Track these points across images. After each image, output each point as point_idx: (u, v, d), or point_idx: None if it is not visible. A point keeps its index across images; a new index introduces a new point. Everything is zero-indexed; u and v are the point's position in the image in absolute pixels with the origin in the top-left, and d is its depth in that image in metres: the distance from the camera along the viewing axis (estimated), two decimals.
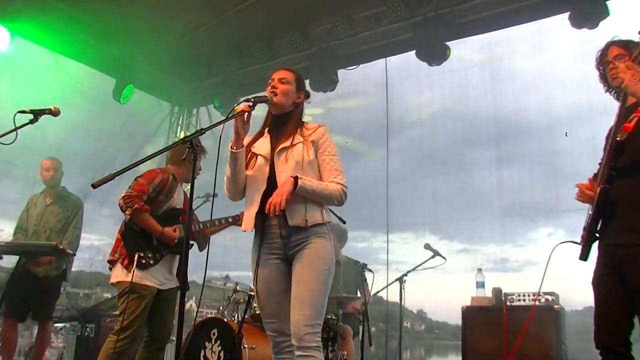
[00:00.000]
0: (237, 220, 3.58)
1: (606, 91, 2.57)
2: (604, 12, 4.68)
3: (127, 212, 3.26)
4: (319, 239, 2.39)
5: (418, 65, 5.63)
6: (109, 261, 3.39)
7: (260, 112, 2.66)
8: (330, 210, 3.34)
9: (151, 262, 3.30)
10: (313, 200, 2.42)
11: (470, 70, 5.98)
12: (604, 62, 2.49)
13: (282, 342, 2.40)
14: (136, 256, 3.26)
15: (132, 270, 3.21)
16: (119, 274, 3.29)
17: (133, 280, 3.20)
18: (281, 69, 2.64)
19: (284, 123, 2.56)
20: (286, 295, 2.38)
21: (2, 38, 5.59)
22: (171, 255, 3.46)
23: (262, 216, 2.42)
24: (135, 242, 3.31)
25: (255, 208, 2.42)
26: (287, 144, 2.48)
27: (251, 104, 2.43)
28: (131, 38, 6.67)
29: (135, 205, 3.24)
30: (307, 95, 2.70)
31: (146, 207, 3.30)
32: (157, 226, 3.33)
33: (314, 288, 2.30)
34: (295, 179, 2.34)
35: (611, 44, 2.50)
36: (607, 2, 4.71)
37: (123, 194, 3.29)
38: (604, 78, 2.54)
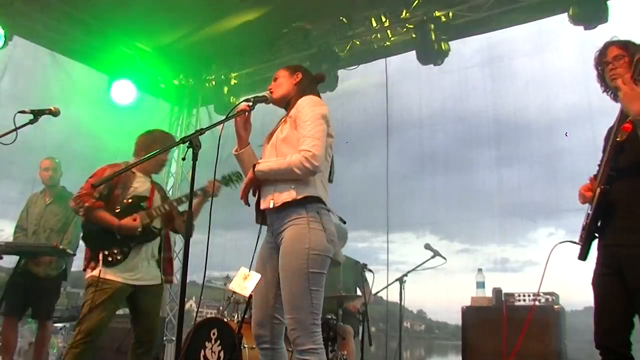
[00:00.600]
0: (205, 190, 3.32)
1: (604, 91, 2.56)
2: (604, 12, 4.69)
3: (80, 212, 3.16)
4: (293, 227, 2.23)
5: (418, 65, 5.64)
6: (83, 270, 3.27)
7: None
8: (330, 211, 3.31)
9: (119, 257, 3.14)
10: (282, 181, 2.29)
11: (470, 70, 5.98)
12: (603, 62, 2.48)
13: (260, 335, 2.35)
14: (101, 255, 3.12)
15: (100, 267, 3.07)
16: (88, 275, 3.18)
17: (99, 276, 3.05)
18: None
19: (287, 108, 2.53)
20: (270, 287, 2.34)
21: (2, 38, 5.59)
22: (142, 245, 3.24)
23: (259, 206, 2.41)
24: (98, 241, 3.18)
25: (255, 199, 2.42)
26: (274, 130, 2.48)
27: (251, 103, 2.43)
28: (131, 38, 6.68)
29: (86, 204, 3.13)
30: (321, 77, 2.61)
31: (98, 204, 3.17)
32: (113, 219, 3.17)
33: (295, 288, 2.18)
34: (254, 166, 2.31)
35: (610, 44, 2.48)
36: (608, 2, 4.71)
37: (73, 195, 3.20)
38: (601, 78, 2.53)
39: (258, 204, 2.40)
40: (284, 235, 2.26)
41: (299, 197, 2.24)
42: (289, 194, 2.25)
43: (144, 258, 3.27)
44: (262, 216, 2.42)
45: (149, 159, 2.98)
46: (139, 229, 3.21)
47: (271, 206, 2.28)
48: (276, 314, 2.34)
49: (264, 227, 2.46)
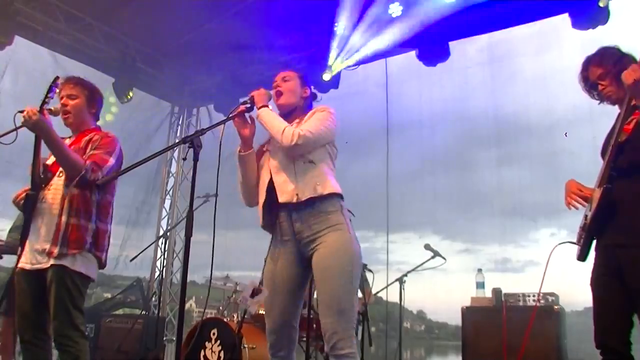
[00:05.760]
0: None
1: (600, 103, 2.61)
2: (603, 13, 4.70)
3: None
4: (333, 233, 2.21)
5: (418, 65, 5.63)
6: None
7: None
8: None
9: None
10: (303, 173, 2.28)
11: (470, 70, 5.98)
12: (590, 82, 2.53)
13: (274, 345, 2.31)
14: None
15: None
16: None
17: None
18: (282, 71, 2.61)
19: (289, 117, 2.50)
20: (290, 296, 2.31)
21: (2, 38, 5.59)
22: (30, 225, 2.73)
23: (270, 209, 2.35)
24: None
25: (262, 199, 2.36)
26: None
27: (248, 105, 2.42)
28: (131, 38, 6.68)
29: None
30: (315, 96, 2.65)
31: None
32: None
33: (340, 292, 2.15)
34: (263, 106, 2.37)
35: (589, 64, 2.54)
36: (609, 2, 4.71)
37: None
38: (591, 94, 2.59)
39: (269, 207, 2.35)
40: (324, 240, 2.21)
41: (326, 192, 2.25)
42: (313, 189, 2.24)
43: (34, 236, 2.89)
44: (269, 221, 2.37)
45: (148, 160, 2.98)
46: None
47: (294, 201, 2.24)
48: (293, 321, 2.32)
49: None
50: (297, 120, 2.45)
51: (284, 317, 2.30)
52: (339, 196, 2.30)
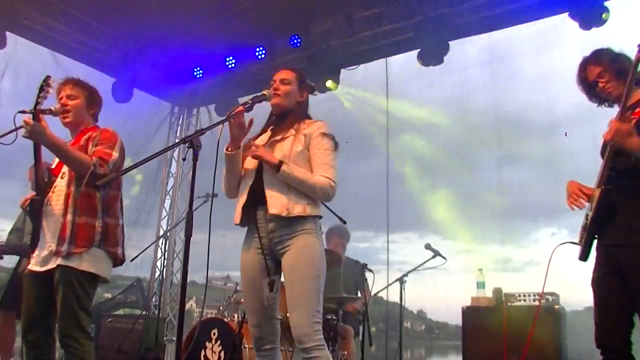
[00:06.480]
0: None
1: (598, 105, 2.61)
2: (602, 13, 4.70)
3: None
4: (304, 235, 2.36)
5: (418, 64, 5.63)
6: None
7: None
8: (330, 210, 3.33)
9: None
10: (297, 191, 2.37)
11: (470, 70, 5.98)
12: (589, 83, 2.54)
13: (261, 338, 2.40)
14: None
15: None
16: None
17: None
18: (282, 69, 2.62)
19: (284, 119, 2.56)
20: (263, 290, 2.39)
21: (2, 38, 5.59)
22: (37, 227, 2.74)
23: (250, 209, 2.44)
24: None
25: (243, 200, 2.45)
26: (278, 137, 2.50)
27: (248, 106, 2.43)
28: (131, 38, 6.68)
29: None
30: (312, 90, 2.70)
31: None
32: None
33: (305, 288, 2.29)
34: (280, 163, 2.35)
35: (587, 64, 2.55)
36: (607, 3, 4.72)
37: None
38: (589, 95, 2.59)
39: (247, 205, 2.44)
40: (293, 242, 2.35)
41: (312, 214, 2.38)
42: (303, 208, 2.36)
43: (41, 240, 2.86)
44: (245, 221, 2.48)
45: (148, 160, 2.98)
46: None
47: (284, 214, 2.33)
48: (273, 314, 2.42)
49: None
50: (294, 127, 2.49)
51: (266, 311, 2.39)
52: (319, 217, 2.45)
